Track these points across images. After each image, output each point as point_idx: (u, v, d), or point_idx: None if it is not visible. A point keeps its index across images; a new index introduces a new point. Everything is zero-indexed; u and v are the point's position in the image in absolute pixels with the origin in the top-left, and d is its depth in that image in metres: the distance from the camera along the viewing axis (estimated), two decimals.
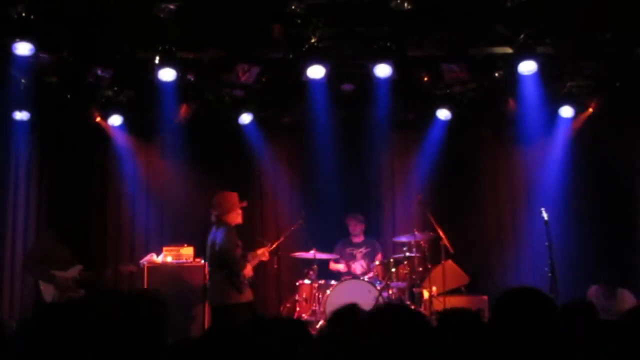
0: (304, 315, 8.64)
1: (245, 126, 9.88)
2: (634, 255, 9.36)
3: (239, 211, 7.70)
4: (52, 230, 8.76)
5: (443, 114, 9.59)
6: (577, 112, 9.50)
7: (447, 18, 7.69)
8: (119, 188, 10.21)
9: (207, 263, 7.91)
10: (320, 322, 8.24)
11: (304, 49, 8.00)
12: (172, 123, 9.64)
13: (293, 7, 7.12)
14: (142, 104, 9.37)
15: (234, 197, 7.71)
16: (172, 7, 7.01)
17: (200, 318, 8.44)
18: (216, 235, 7.51)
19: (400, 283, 8.81)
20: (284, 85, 9.11)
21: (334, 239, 9.70)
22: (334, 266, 9.57)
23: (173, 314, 4.50)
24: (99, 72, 8.32)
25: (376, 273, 9.07)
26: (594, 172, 9.60)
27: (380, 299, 8.35)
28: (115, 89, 9.05)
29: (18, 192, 9.56)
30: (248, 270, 7.53)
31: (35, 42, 7.47)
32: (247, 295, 7.50)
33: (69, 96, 8.97)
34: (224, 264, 7.40)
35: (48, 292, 8.15)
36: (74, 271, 8.34)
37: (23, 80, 8.44)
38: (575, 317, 3.72)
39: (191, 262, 8.73)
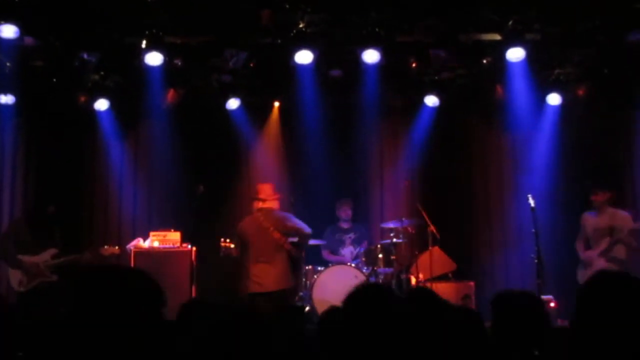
0: None
1: (233, 111, 9.84)
2: None
3: (276, 201, 8.07)
4: (24, 215, 8.63)
5: (431, 100, 9.59)
6: (565, 100, 9.51)
7: (436, 4, 7.68)
8: (106, 173, 10.15)
9: (258, 248, 7.85)
10: (307, 308, 8.26)
11: (292, 34, 7.97)
12: (160, 108, 9.60)
13: None
14: (129, 89, 9.32)
15: (272, 187, 8.15)
16: None
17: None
18: (275, 220, 7.83)
19: (387, 269, 8.82)
20: (272, 71, 9.07)
21: (322, 224, 9.70)
22: (328, 256, 9.55)
23: None
24: (86, 56, 8.25)
25: (364, 259, 9.07)
26: (582, 159, 9.62)
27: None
28: (102, 73, 8.99)
29: (4, 176, 9.50)
30: None
31: (20, 25, 7.40)
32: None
33: (55, 80, 8.90)
34: (293, 247, 7.84)
35: (15, 277, 7.95)
36: (46, 255, 8.08)
37: (8, 64, 8.37)
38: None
39: (178, 247, 8.69)
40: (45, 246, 8.13)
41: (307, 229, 7.97)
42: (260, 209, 7.96)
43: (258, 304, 7.58)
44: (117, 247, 8.64)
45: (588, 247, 8.45)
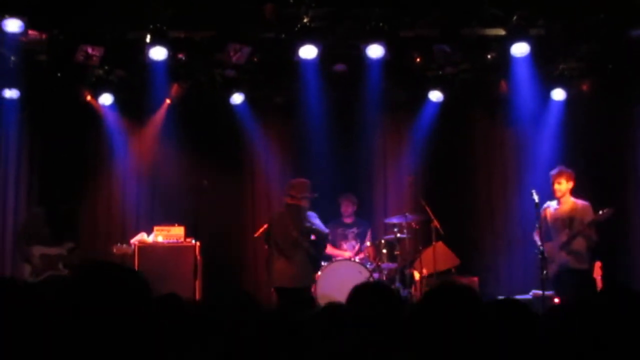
0: None
1: (236, 106, 9.83)
2: (625, 238, 9.43)
3: (305, 199, 8.06)
4: (41, 207, 8.62)
5: (435, 95, 9.58)
6: (569, 95, 9.49)
7: None
8: (110, 167, 10.16)
9: (278, 242, 7.99)
10: None
11: (296, 29, 7.97)
12: (163, 102, 9.62)
13: None
14: (133, 84, 9.32)
15: (309, 185, 8.13)
16: None
17: (190, 298, 8.42)
18: (296, 218, 7.91)
19: (391, 264, 8.83)
20: (276, 66, 9.06)
21: (325, 219, 9.68)
22: (331, 251, 9.54)
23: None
24: (90, 50, 8.25)
25: (367, 254, 9.07)
26: (586, 155, 9.60)
27: (371, 280, 8.37)
28: (106, 68, 8.99)
29: (8, 171, 9.52)
30: None
31: (25, 19, 7.41)
32: None
33: (59, 75, 8.91)
34: (311, 246, 7.92)
35: (25, 268, 7.95)
36: (61, 249, 7.95)
37: (13, 58, 8.38)
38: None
39: (182, 241, 8.71)
40: (62, 240, 8.06)
41: (325, 230, 8.15)
42: (288, 205, 8.07)
43: (277, 299, 7.70)
44: (131, 248, 8.54)
45: (548, 238, 8.31)
